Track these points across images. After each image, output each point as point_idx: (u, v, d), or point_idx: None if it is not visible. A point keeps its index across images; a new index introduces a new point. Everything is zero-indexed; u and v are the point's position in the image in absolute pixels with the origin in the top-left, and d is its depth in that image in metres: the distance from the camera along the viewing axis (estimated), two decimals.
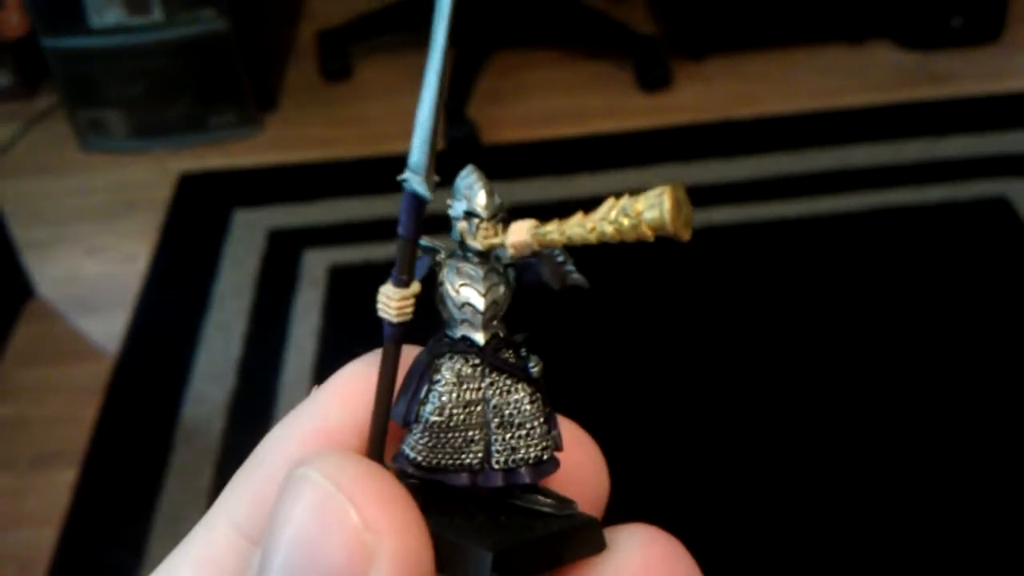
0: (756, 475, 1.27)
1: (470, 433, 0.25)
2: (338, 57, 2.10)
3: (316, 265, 1.62)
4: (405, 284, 0.25)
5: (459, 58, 1.96)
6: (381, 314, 0.25)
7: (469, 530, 0.24)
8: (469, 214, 0.25)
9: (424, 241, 0.25)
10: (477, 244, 0.25)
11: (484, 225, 0.25)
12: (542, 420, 0.26)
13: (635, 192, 0.23)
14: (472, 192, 0.25)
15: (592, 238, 0.23)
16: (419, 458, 0.25)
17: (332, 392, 0.25)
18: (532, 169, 1.76)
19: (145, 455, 1.35)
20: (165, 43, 1.85)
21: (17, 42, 2.04)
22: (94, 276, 1.67)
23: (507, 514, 0.25)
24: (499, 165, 1.77)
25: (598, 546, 0.25)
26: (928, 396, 1.34)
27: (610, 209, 0.23)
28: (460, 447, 0.25)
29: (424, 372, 0.25)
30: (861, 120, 1.85)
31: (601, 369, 1.42)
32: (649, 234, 0.22)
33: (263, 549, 0.21)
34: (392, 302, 0.24)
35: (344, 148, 1.90)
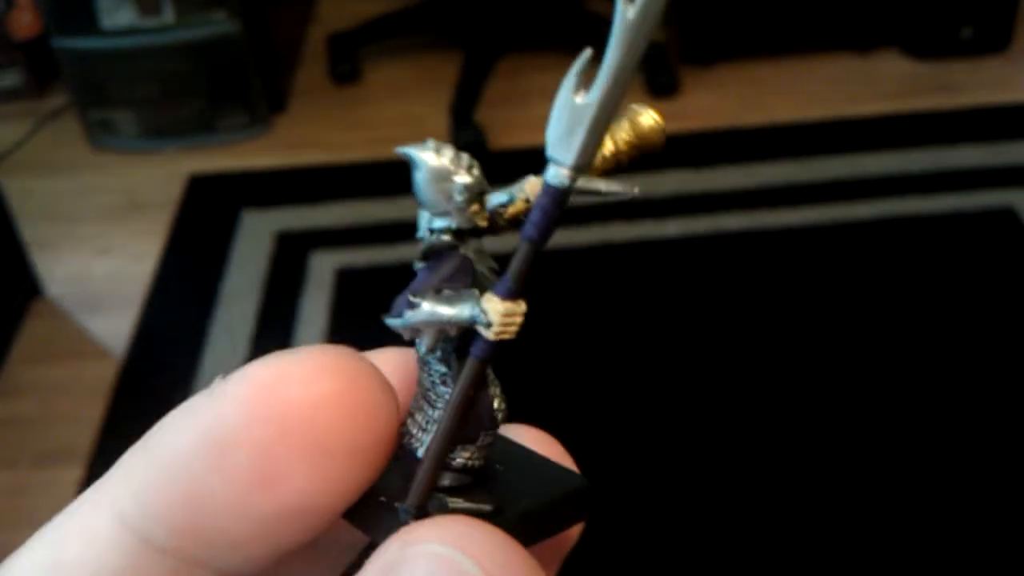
0: (762, 478, 1.27)
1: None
2: (347, 60, 2.11)
3: (323, 267, 1.62)
4: (520, 296, 0.21)
5: (467, 62, 1.96)
6: (495, 335, 0.21)
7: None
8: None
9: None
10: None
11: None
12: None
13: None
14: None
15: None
16: (476, 463, 0.23)
17: (236, 390, 0.22)
18: (540, 174, 1.76)
19: None
20: (176, 45, 1.86)
21: (28, 42, 2.05)
22: (102, 275, 1.68)
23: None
24: (507, 169, 1.75)
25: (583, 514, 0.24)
26: (935, 403, 1.34)
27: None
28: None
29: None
30: (869, 129, 1.85)
31: (610, 372, 1.42)
32: (648, 144, 0.23)
33: None
34: (515, 318, 0.21)
35: (353, 151, 1.90)
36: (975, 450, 1.28)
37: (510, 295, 0.21)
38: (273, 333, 1.52)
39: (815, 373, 1.40)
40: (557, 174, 0.20)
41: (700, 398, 1.38)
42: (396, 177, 1.83)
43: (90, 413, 1.41)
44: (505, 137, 1.89)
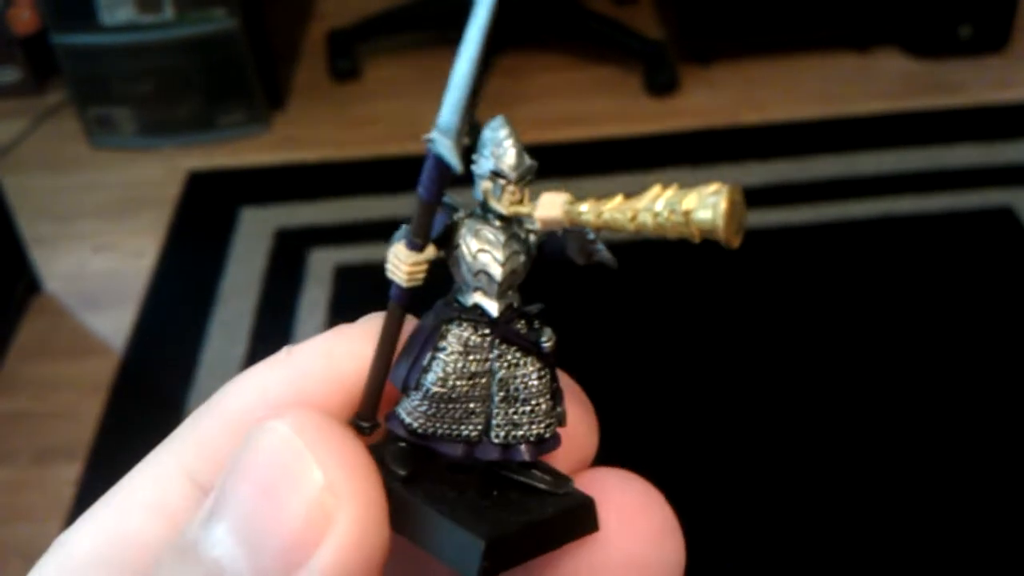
0: (756, 476, 1.27)
1: (471, 405, 0.23)
2: (347, 57, 2.11)
3: (322, 264, 1.63)
4: (419, 248, 0.23)
5: None
6: (390, 276, 0.23)
7: (460, 507, 0.22)
8: (496, 174, 0.23)
9: (444, 197, 0.23)
10: (501, 208, 0.23)
11: (511, 188, 0.23)
12: (548, 397, 0.24)
13: (686, 186, 0.20)
14: (501, 149, 0.23)
15: (631, 227, 0.21)
16: (415, 424, 0.23)
17: (303, 349, 0.24)
18: (539, 172, 1.76)
19: (149, 451, 1.35)
20: (175, 41, 1.86)
21: (28, 38, 2.05)
22: (101, 272, 1.68)
23: (499, 488, 0.24)
24: None
25: (591, 526, 0.24)
26: (932, 402, 1.34)
27: (655, 199, 0.21)
28: (459, 418, 0.23)
29: (429, 337, 0.23)
30: (867, 127, 1.86)
31: (605, 367, 1.42)
32: (696, 235, 0.20)
33: (216, 494, 0.21)
34: (403, 265, 0.23)
35: (352, 148, 1.90)
36: (972, 444, 1.29)
37: (410, 246, 0.23)
38: (272, 329, 1.52)
39: (812, 371, 1.40)
40: (429, 136, 0.22)
41: (697, 394, 1.38)
42: (395, 174, 1.83)
43: (89, 409, 1.42)
44: None
